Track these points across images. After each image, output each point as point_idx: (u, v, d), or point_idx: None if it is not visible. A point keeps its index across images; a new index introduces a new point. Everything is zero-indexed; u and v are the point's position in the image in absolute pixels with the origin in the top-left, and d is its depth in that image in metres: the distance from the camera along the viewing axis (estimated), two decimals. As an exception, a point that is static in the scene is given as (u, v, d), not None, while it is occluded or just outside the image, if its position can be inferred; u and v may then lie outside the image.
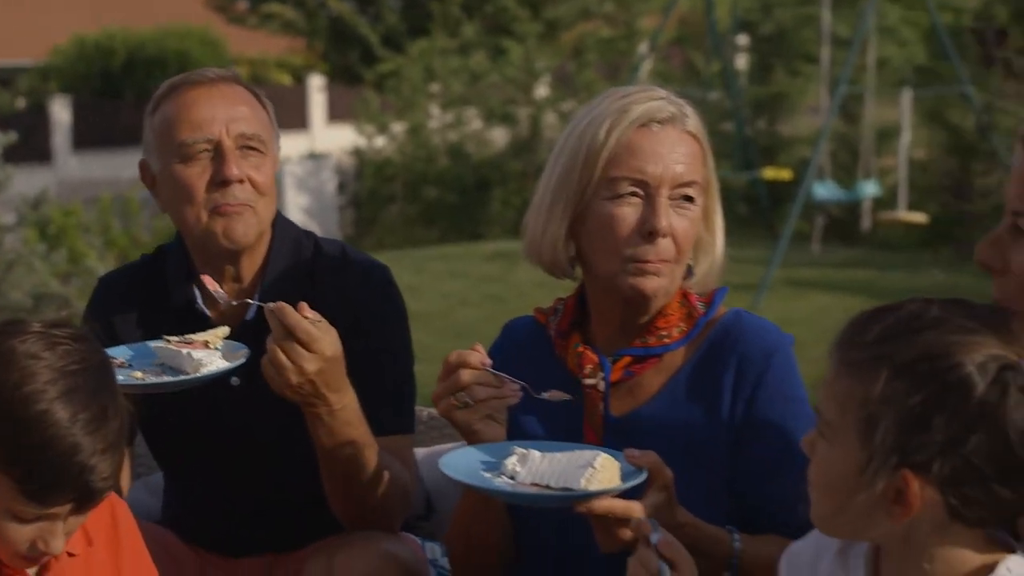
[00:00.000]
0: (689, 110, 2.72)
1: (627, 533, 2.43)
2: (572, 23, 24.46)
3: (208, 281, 2.87)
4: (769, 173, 16.57)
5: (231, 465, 3.12)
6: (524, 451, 2.51)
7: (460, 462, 2.54)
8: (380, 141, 22.20)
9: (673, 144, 2.68)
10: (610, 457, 2.47)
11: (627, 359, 2.75)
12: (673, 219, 2.66)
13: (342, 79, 28.34)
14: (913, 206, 15.45)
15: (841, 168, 17.28)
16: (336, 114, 32.07)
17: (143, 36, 31.73)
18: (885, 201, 16.35)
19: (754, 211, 18.33)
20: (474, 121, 21.93)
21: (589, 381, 2.75)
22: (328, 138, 30.16)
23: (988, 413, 1.89)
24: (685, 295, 2.78)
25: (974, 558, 1.98)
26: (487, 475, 2.51)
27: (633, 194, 2.66)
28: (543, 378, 2.70)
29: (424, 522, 3.33)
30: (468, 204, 20.73)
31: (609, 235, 2.68)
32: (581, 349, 2.77)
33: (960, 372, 1.90)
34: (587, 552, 2.61)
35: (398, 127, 22.06)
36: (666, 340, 2.75)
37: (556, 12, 24.25)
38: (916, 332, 1.95)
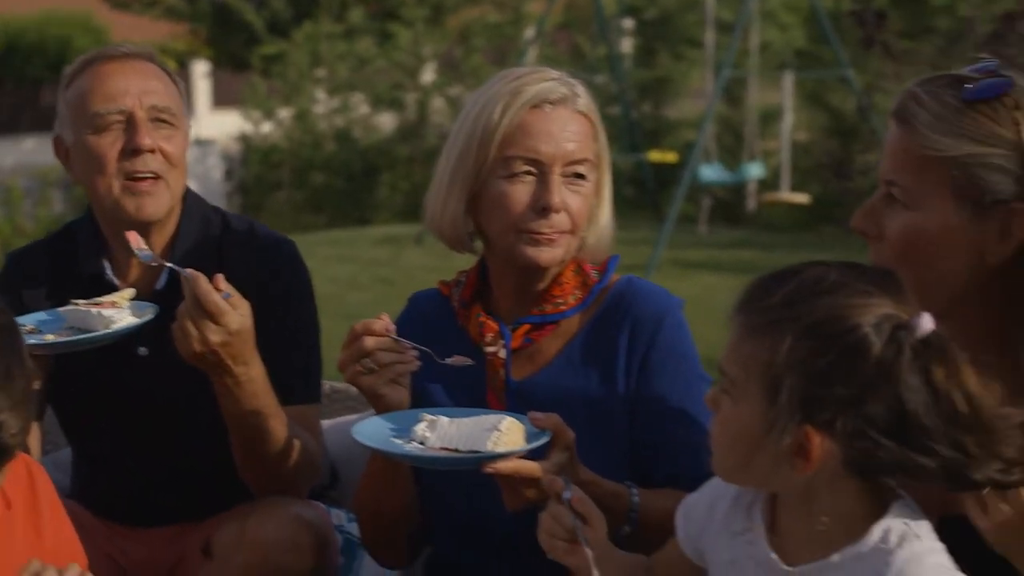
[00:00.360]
0: (581, 90, 2.83)
1: (532, 492, 2.54)
2: (458, 7, 24.49)
3: (133, 237, 2.93)
4: (655, 156, 16.76)
5: (140, 433, 3.19)
6: (432, 418, 2.61)
7: (371, 429, 2.64)
8: (266, 127, 22.09)
9: (564, 123, 2.78)
10: (515, 420, 2.57)
11: (526, 327, 2.86)
12: (566, 195, 2.77)
13: (227, 65, 28.15)
14: (796, 187, 15.72)
15: (726, 150, 17.53)
16: (221, 100, 31.82)
17: (24, 22, 31.28)
18: (769, 182, 16.63)
19: (640, 193, 18.53)
20: (361, 106, 21.88)
21: (490, 349, 2.85)
22: (213, 124, 29.91)
23: (884, 371, 2.01)
24: (579, 264, 2.89)
25: (865, 509, 2.10)
26: (397, 441, 2.60)
27: (527, 172, 2.77)
28: (448, 347, 2.80)
29: (330, 491, 3.42)
30: (355, 189, 20.70)
31: (505, 212, 2.78)
32: (482, 318, 2.87)
33: (858, 333, 2.02)
34: (494, 515, 2.72)
35: (284, 113, 21.96)
36: (562, 307, 2.86)
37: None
38: (817, 296, 2.06)
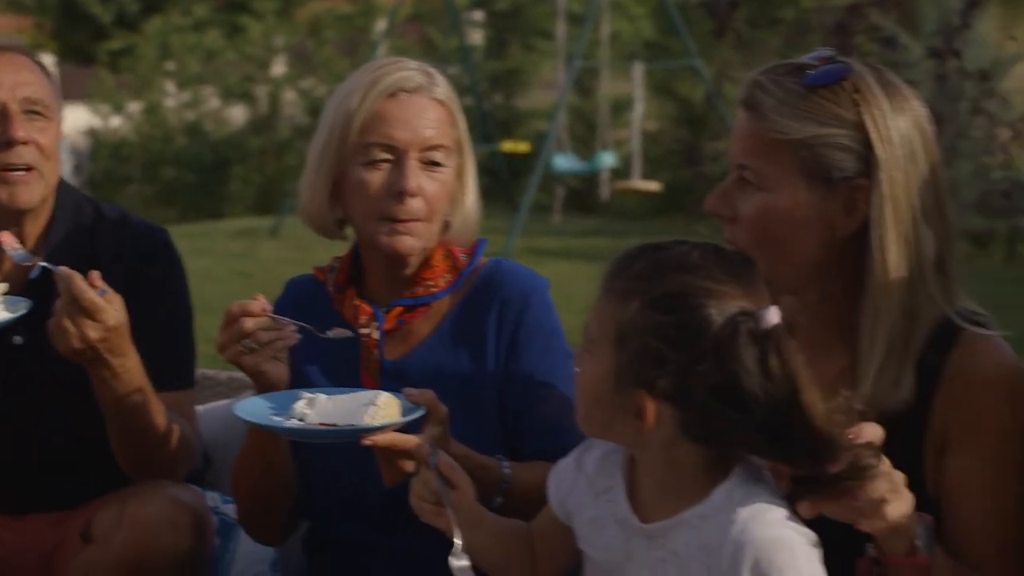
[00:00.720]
0: (439, 79, 2.94)
1: (409, 465, 2.64)
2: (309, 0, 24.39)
3: (6, 238, 2.97)
4: (507, 146, 16.91)
5: (15, 421, 3.22)
6: (311, 396, 2.70)
7: (251, 408, 2.72)
8: (115, 121, 21.84)
9: (420, 111, 2.88)
10: (391, 396, 2.67)
11: (399, 309, 2.96)
12: (423, 180, 2.87)
13: (72, 59, 27.76)
14: (647, 175, 15.93)
15: (578, 140, 17.72)
16: (68, 94, 31.32)
17: None
18: (621, 171, 16.84)
19: (494, 183, 18.65)
20: (211, 99, 21.74)
21: (364, 330, 2.94)
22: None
23: (719, 349, 2.14)
24: (448, 248, 2.99)
25: (707, 471, 2.23)
26: (278, 419, 2.69)
27: (384, 160, 2.87)
28: (324, 330, 2.89)
29: (204, 474, 3.48)
30: (208, 183, 20.55)
31: (364, 198, 2.88)
32: (357, 302, 2.97)
33: (701, 312, 2.15)
34: (372, 490, 2.82)
35: (134, 107, 21.73)
36: (433, 289, 2.96)
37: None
38: (674, 271, 2.19)
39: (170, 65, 22.02)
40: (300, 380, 2.91)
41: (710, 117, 16.84)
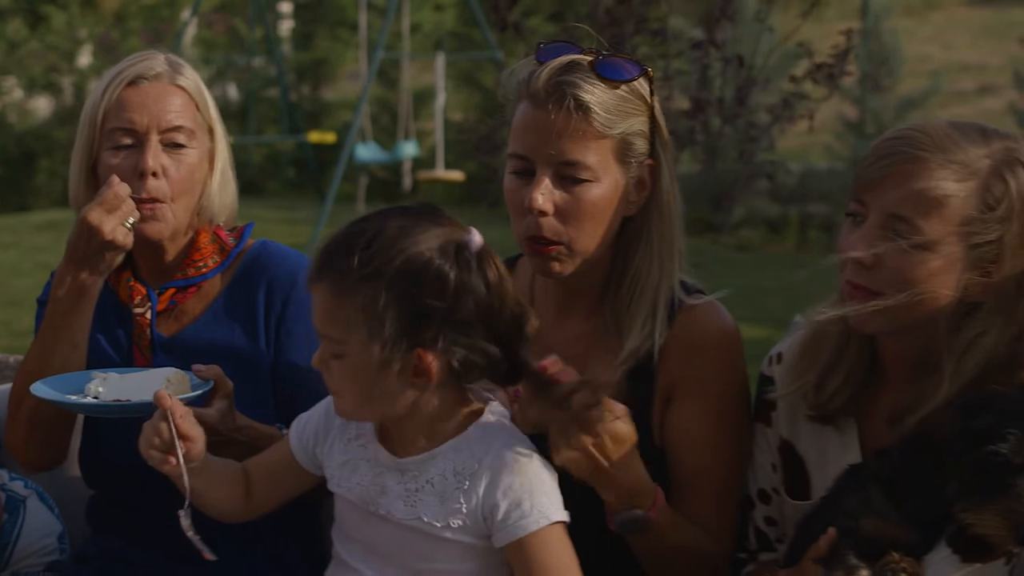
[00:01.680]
0: (186, 69, 3.14)
1: None
2: None
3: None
4: (314, 137, 17.03)
5: None
6: (104, 375, 2.90)
7: (48, 387, 2.91)
8: (-84, 112, 21.42)
9: (159, 96, 3.09)
10: (181, 372, 2.88)
11: (171, 290, 3.18)
12: (165, 162, 3.07)
13: None
14: (450, 165, 16.18)
15: (383, 131, 17.91)
16: None
17: None
18: (424, 161, 17.07)
19: (303, 174, 18.78)
20: (15, 91, 21.43)
21: (138, 310, 3.16)
22: None
23: (462, 286, 2.41)
24: (215, 232, 3.20)
25: (464, 408, 2.53)
26: (73, 397, 2.88)
27: (127, 144, 3.07)
28: (102, 309, 3.11)
29: None
30: (13, 175, 20.28)
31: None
32: (132, 283, 3.17)
33: (434, 265, 2.40)
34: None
35: (-65, 98, 21.34)
36: (203, 270, 3.18)
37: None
38: (389, 248, 2.42)
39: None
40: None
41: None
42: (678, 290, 2.86)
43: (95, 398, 2.87)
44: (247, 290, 3.19)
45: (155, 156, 3.06)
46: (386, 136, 17.62)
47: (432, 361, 2.43)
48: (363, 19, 16.90)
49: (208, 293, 3.20)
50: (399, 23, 15.90)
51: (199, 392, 2.87)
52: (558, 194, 2.74)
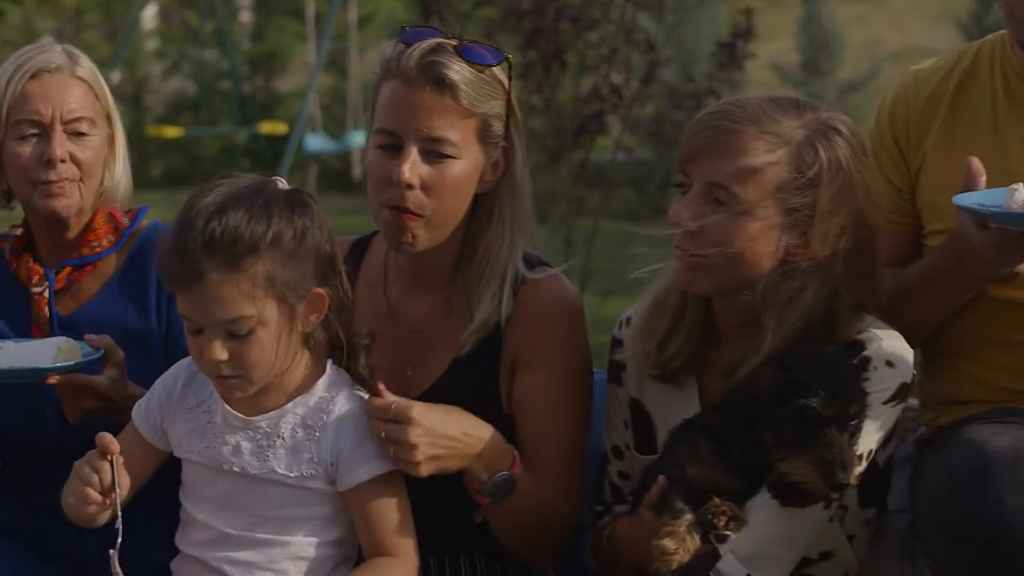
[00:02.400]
0: (83, 60, 3.32)
1: (88, 402, 3.08)
2: None
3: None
4: (266, 127, 17.18)
5: None
6: (1, 344, 3.08)
7: None
8: None
9: (61, 88, 3.26)
10: (72, 341, 3.07)
11: (68, 269, 3.34)
12: (72, 148, 3.25)
13: None
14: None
15: (335, 121, 18.04)
16: None
17: None
18: (374, 149, 17.16)
19: (256, 165, 18.86)
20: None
21: (36, 289, 3.32)
22: None
23: (300, 227, 2.66)
24: (110, 212, 3.37)
25: (313, 364, 2.77)
26: None
27: (33, 134, 3.25)
28: (1, 290, 3.31)
29: None
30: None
31: (18, 168, 3.25)
32: (30, 264, 3.34)
33: (296, 223, 2.66)
34: (52, 430, 3.24)
35: None
36: (97, 249, 3.35)
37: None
38: (257, 215, 2.64)
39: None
40: None
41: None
42: (521, 266, 3.01)
43: None
44: (140, 269, 3.34)
45: (61, 144, 3.23)
46: (336, 126, 17.75)
47: (326, 296, 2.68)
48: (310, 10, 16.99)
49: (103, 272, 3.37)
50: (344, 13, 16.00)
51: (90, 358, 3.05)
52: (424, 168, 2.89)
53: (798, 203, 2.77)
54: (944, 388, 3.21)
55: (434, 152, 2.90)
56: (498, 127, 2.96)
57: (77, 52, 3.34)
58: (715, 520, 2.69)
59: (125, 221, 3.40)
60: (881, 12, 25.82)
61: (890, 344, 2.82)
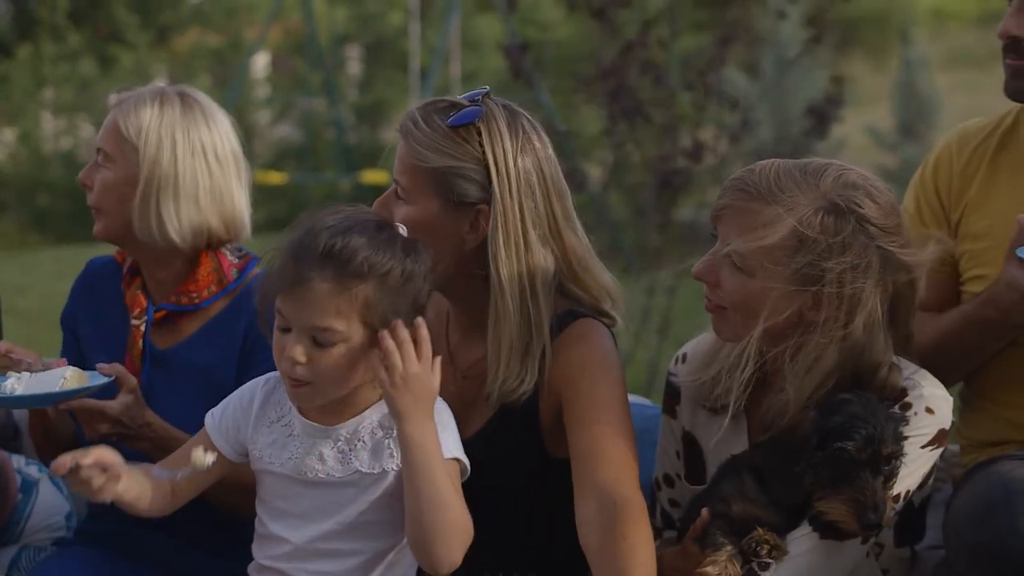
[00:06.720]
0: (126, 97, 3.47)
1: (105, 427, 3.22)
2: (184, 28, 24.38)
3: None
4: (369, 176, 17.45)
5: None
6: (18, 375, 3.17)
7: None
8: (-10, 148, 21.82)
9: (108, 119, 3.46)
10: (78, 370, 3.17)
11: (165, 311, 3.46)
12: (93, 174, 3.47)
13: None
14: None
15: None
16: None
17: None
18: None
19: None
20: (86, 128, 21.86)
21: (135, 322, 3.47)
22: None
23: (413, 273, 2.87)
24: (219, 258, 3.47)
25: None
26: None
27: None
28: (107, 306, 3.51)
29: (11, 441, 3.91)
30: (82, 210, 20.45)
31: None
32: (138, 292, 3.50)
33: (403, 265, 2.86)
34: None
35: (9, 134, 21.76)
36: (196, 300, 3.46)
37: (165, 18, 24.12)
38: (355, 245, 2.80)
39: (48, 93, 22.06)
40: (82, 359, 3.42)
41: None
42: (548, 330, 3.04)
43: (11, 393, 3.12)
44: (236, 318, 3.44)
45: (87, 171, 3.48)
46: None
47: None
48: (416, 63, 17.25)
49: (205, 314, 3.48)
50: (447, 68, 16.23)
51: (93, 385, 3.15)
52: (391, 205, 3.07)
53: (807, 271, 2.89)
54: (980, 431, 3.40)
55: (396, 193, 3.06)
56: (466, 188, 2.99)
57: (132, 92, 3.52)
58: (758, 548, 2.86)
59: (232, 274, 3.48)
60: (987, 79, 25.70)
61: (931, 392, 2.97)
